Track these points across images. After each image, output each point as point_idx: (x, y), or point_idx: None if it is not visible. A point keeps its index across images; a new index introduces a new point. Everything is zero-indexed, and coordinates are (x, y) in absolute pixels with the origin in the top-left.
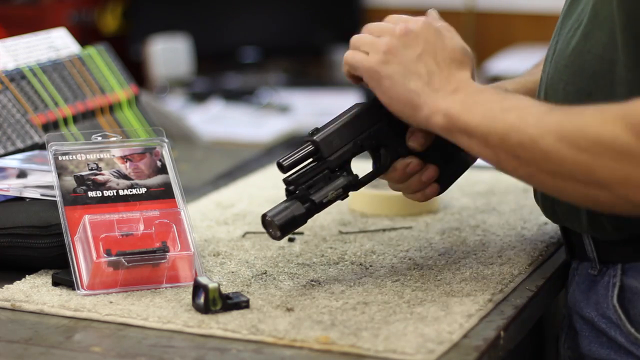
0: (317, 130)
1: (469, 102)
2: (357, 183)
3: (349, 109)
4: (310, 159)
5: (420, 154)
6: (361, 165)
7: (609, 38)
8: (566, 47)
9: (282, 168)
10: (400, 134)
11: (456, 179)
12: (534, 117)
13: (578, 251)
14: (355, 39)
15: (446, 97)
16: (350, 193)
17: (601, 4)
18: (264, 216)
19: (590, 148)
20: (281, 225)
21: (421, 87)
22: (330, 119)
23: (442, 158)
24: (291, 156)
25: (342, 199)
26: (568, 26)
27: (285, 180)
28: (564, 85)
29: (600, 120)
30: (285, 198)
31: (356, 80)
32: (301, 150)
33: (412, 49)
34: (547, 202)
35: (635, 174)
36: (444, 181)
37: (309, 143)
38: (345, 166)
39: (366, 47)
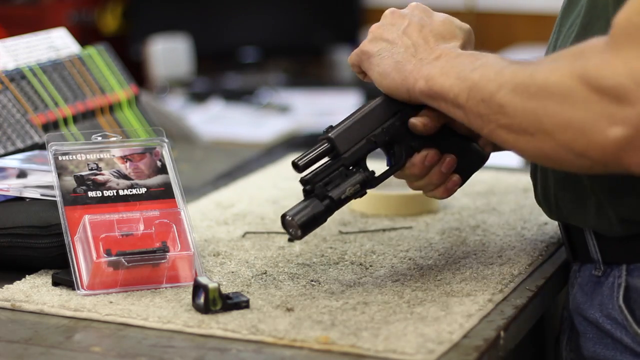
0: (331, 128)
1: (447, 67)
2: (373, 179)
3: (361, 106)
4: (326, 157)
5: (434, 146)
6: (375, 165)
7: (606, 26)
8: (566, 42)
9: (298, 168)
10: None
11: (474, 171)
12: (493, 72)
13: (581, 253)
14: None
15: (429, 64)
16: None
17: None
18: (283, 217)
19: (537, 93)
20: (302, 224)
21: (407, 58)
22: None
23: (457, 150)
24: (306, 155)
25: (360, 196)
26: (568, 24)
27: (301, 180)
28: None
29: (550, 67)
30: (303, 198)
31: (363, 75)
32: (317, 148)
33: (397, 26)
34: (549, 201)
35: (576, 117)
36: (463, 173)
37: (325, 141)
38: (361, 163)
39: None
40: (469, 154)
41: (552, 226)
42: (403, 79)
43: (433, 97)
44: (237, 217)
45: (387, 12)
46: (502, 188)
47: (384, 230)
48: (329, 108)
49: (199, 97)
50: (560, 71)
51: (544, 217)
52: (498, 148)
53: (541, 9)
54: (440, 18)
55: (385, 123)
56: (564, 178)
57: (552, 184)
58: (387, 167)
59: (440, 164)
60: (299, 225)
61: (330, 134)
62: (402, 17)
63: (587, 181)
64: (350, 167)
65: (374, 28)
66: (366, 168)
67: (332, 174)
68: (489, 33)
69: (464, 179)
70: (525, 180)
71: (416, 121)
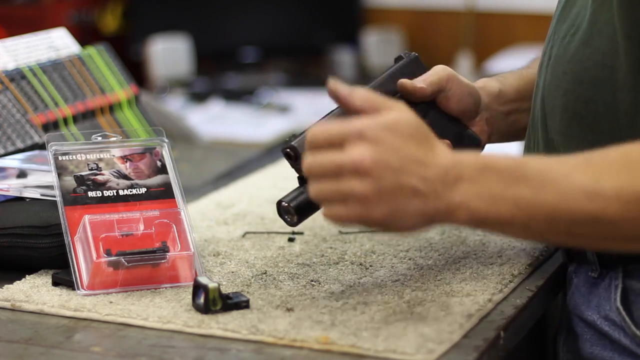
0: (294, 136)
1: (486, 192)
2: None
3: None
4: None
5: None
6: None
7: (610, 45)
8: (564, 54)
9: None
10: None
11: None
12: (581, 191)
13: (577, 255)
14: (314, 191)
15: (454, 191)
16: None
17: (600, 10)
18: (278, 203)
19: None
20: (297, 208)
21: (423, 200)
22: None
23: (451, 137)
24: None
25: None
26: (563, 31)
27: (296, 167)
28: (563, 93)
29: None
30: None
31: None
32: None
33: (384, 175)
34: None
35: None
36: None
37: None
38: None
39: (336, 199)
40: (464, 139)
41: None
42: (431, 218)
43: (482, 225)
44: (237, 217)
45: (350, 167)
46: None
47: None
48: (329, 108)
49: (199, 97)
50: None
51: None
52: (494, 139)
53: (541, 9)
54: (398, 127)
55: None
56: None
57: None
58: None
59: None
60: (295, 210)
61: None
62: (375, 165)
63: None
64: None
65: (362, 193)
66: None
67: None
68: (489, 33)
69: None
70: None
71: (407, 82)
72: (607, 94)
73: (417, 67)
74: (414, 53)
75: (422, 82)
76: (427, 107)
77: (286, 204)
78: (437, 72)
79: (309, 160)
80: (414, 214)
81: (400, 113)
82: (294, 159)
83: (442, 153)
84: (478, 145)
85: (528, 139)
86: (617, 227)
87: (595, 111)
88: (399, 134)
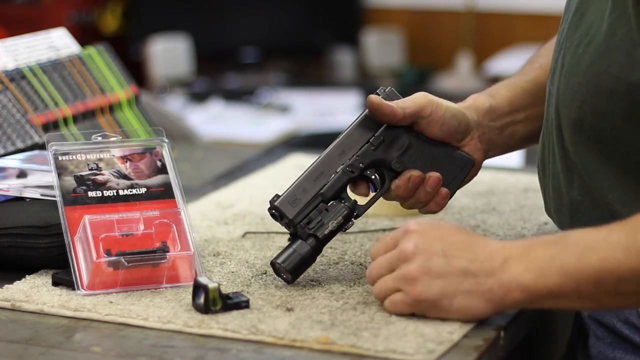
0: (277, 196)
1: (533, 265)
2: (357, 208)
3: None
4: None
5: (416, 164)
6: None
7: (627, 59)
8: (577, 64)
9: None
10: (390, 151)
11: (463, 178)
12: (620, 249)
13: None
14: (376, 290)
15: (505, 269)
16: (354, 196)
17: (618, 23)
18: (272, 264)
19: None
20: (291, 269)
21: (474, 279)
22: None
23: (441, 162)
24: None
25: (347, 228)
26: (576, 39)
27: (285, 225)
28: (580, 105)
29: None
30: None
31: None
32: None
33: (431, 257)
34: (563, 219)
35: None
36: (451, 183)
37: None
38: (342, 194)
39: (391, 289)
40: (454, 161)
41: (552, 226)
42: (486, 299)
43: (537, 302)
44: (237, 217)
45: (406, 251)
46: (502, 188)
47: (384, 230)
48: (329, 108)
49: (199, 97)
50: None
51: (544, 217)
52: (492, 154)
53: (541, 9)
54: (444, 224)
55: (359, 150)
56: (579, 204)
57: (566, 209)
58: (373, 194)
59: (424, 184)
60: (288, 270)
61: (276, 203)
62: (425, 244)
63: (614, 204)
64: (331, 200)
65: (416, 271)
66: (348, 199)
67: (312, 212)
68: (489, 33)
69: (454, 188)
70: (525, 180)
71: (374, 99)
72: (626, 108)
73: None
74: (389, 87)
75: (394, 104)
76: (410, 137)
77: (279, 265)
78: (413, 98)
79: (372, 265)
80: (467, 292)
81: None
82: (280, 218)
83: (489, 240)
84: (472, 164)
85: (543, 146)
86: None
87: (613, 126)
88: (445, 227)
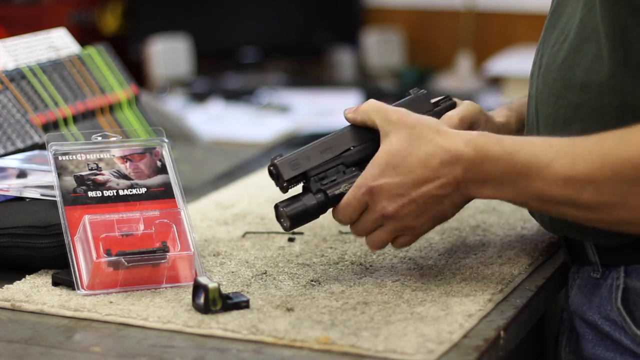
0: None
1: (489, 182)
2: None
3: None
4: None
5: None
6: None
7: (596, 49)
8: (553, 61)
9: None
10: None
11: None
12: (560, 178)
13: (579, 255)
14: (370, 244)
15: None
16: None
17: (588, 16)
18: (276, 207)
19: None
20: (292, 216)
21: (450, 198)
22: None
23: None
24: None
25: None
26: (552, 39)
27: (300, 175)
28: (555, 99)
29: None
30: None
31: None
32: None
33: (409, 211)
34: (543, 219)
35: None
36: None
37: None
38: (363, 164)
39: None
40: None
41: None
42: (453, 190)
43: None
44: (237, 217)
45: (386, 212)
46: None
47: None
48: (329, 108)
49: (199, 97)
50: None
51: None
52: None
53: (541, 9)
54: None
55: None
56: None
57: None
58: None
59: None
60: (288, 216)
61: (276, 160)
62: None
63: None
64: (352, 166)
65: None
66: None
67: (330, 170)
68: (489, 33)
69: None
70: None
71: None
72: (594, 98)
73: (424, 104)
74: (422, 90)
75: (457, 118)
76: None
77: (282, 209)
78: (468, 108)
79: (354, 231)
80: (451, 205)
81: (386, 146)
82: (276, 177)
83: (442, 140)
84: None
85: None
86: (592, 210)
87: (583, 117)
88: (396, 167)
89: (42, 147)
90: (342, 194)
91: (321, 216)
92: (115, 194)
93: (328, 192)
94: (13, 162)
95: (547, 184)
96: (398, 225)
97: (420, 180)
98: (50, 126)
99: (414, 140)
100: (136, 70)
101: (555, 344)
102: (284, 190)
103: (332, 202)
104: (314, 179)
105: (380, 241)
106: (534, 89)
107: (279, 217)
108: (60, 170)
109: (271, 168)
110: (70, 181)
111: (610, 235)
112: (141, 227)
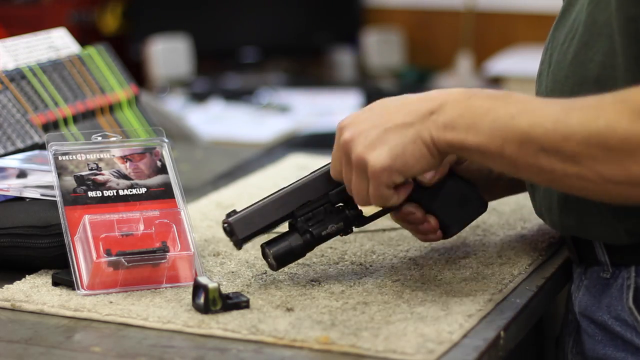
0: (234, 212)
1: (468, 114)
2: (360, 219)
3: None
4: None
5: (432, 196)
6: None
7: (609, 43)
8: (564, 58)
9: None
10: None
11: (470, 221)
12: (550, 120)
13: (587, 256)
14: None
15: (440, 116)
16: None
17: (598, 11)
18: (262, 246)
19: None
20: (277, 256)
21: (415, 128)
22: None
23: (457, 196)
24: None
25: (344, 234)
26: (561, 38)
27: (288, 214)
28: (569, 96)
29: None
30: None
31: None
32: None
33: (368, 130)
34: (553, 219)
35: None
36: (454, 224)
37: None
38: (350, 202)
39: (358, 177)
40: (469, 204)
41: None
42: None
43: (461, 151)
44: None
45: (344, 140)
46: None
47: (384, 230)
48: (329, 108)
49: (199, 97)
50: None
51: None
52: (496, 196)
53: (541, 9)
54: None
55: None
56: (567, 199)
57: (556, 206)
58: (380, 208)
59: (420, 224)
60: (273, 257)
61: (230, 219)
62: (359, 128)
63: (593, 201)
64: (339, 204)
65: (359, 153)
66: (355, 207)
67: (317, 209)
68: (489, 33)
69: (453, 231)
70: None
71: (422, 178)
72: (612, 90)
73: None
74: None
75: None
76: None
77: (267, 250)
78: None
79: (349, 190)
80: (412, 142)
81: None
82: (230, 234)
83: (426, 92)
84: (484, 210)
85: None
86: (575, 162)
87: None
88: (375, 104)
89: (42, 147)
90: (329, 234)
91: None
92: (115, 194)
93: (314, 232)
94: (13, 162)
95: (533, 125)
96: (358, 149)
97: (390, 111)
98: (50, 126)
99: (391, 100)
100: (136, 70)
101: (557, 344)
102: (238, 247)
103: (319, 241)
104: (301, 220)
105: (358, 190)
106: (544, 87)
107: (265, 256)
108: (60, 170)
109: (225, 225)
110: (70, 181)
111: (620, 235)
112: (141, 227)
